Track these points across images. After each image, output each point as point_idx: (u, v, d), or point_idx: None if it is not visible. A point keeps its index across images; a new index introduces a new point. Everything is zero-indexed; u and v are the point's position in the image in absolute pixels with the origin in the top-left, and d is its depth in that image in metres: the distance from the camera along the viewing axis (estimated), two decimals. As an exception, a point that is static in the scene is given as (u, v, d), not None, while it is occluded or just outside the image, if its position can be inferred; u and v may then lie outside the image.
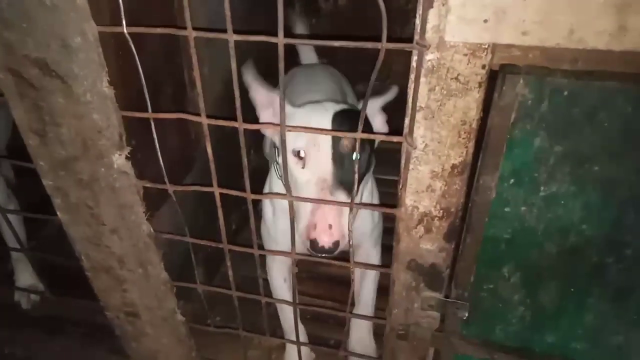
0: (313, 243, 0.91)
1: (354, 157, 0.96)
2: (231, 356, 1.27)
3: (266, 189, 1.28)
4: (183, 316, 1.04)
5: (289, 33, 1.83)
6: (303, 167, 0.99)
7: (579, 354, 0.84)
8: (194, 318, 1.10)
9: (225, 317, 1.36)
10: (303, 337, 1.26)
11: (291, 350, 1.26)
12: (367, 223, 1.25)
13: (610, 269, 0.73)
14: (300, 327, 1.25)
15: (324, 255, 0.92)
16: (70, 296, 1.34)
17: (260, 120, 1.08)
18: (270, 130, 1.11)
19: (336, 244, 0.91)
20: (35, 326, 1.43)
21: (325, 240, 0.90)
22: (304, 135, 0.97)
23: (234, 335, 1.07)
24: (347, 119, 1.01)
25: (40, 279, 1.40)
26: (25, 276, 1.47)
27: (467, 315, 0.82)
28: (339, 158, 0.97)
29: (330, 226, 0.90)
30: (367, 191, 1.19)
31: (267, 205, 1.27)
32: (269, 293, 0.95)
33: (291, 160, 1.00)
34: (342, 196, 0.95)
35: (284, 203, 1.12)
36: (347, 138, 0.96)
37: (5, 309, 1.47)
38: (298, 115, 1.04)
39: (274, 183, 1.24)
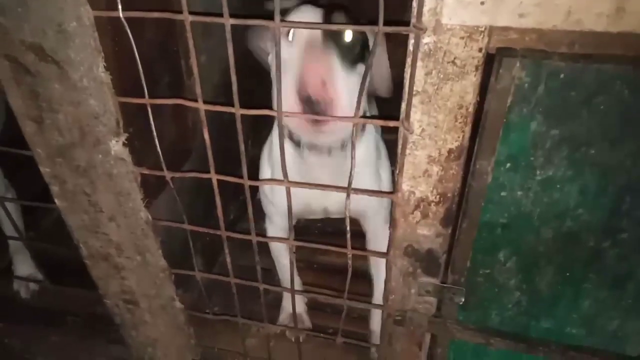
0: (307, 99, 0.85)
1: (346, 36, 0.92)
2: (229, 345, 1.27)
3: (265, 151, 1.26)
4: (182, 304, 1.05)
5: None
6: (291, 42, 0.93)
7: (575, 339, 0.85)
8: (193, 307, 1.10)
9: (223, 307, 1.37)
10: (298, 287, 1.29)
11: (287, 302, 1.29)
12: (373, 188, 1.16)
13: (606, 254, 0.73)
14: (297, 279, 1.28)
15: (319, 115, 0.86)
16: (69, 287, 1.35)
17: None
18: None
19: (330, 100, 0.85)
20: (34, 317, 1.44)
21: (318, 92, 0.84)
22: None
23: (232, 325, 1.08)
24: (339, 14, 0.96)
25: (39, 270, 1.41)
26: (24, 266, 1.48)
27: (463, 300, 0.82)
28: (330, 34, 0.91)
29: (323, 82, 0.85)
30: (370, 146, 1.14)
31: (265, 163, 1.24)
32: (267, 281, 0.95)
33: (284, 49, 0.90)
34: (334, 58, 0.89)
35: (287, 158, 1.04)
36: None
37: (4, 301, 1.48)
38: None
39: (275, 144, 1.19)
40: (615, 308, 0.79)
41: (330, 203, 1.20)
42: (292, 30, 0.93)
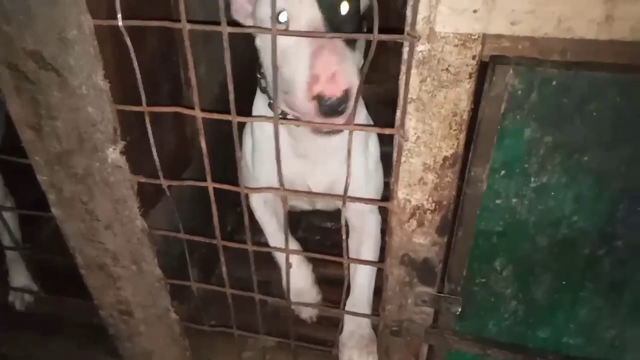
0: (320, 99, 0.82)
1: (342, 9, 0.89)
2: (225, 357, 1.26)
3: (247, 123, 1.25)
4: (177, 315, 1.04)
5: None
6: (287, 29, 0.90)
7: (573, 348, 0.84)
8: (189, 319, 1.10)
9: (219, 319, 1.35)
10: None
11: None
12: (359, 167, 1.13)
13: (602, 261, 0.73)
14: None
15: (333, 115, 0.83)
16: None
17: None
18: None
19: (345, 94, 0.81)
20: (33, 327, 1.43)
21: (332, 90, 0.80)
22: None
23: (228, 337, 1.07)
24: None
25: (35, 281, 1.40)
26: (19, 277, 1.47)
27: (460, 310, 0.82)
28: (327, 6, 0.87)
29: (334, 74, 0.81)
30: (361, 117, 1.13)
31: (247, 136, 1.22)
32: (263, 292, 0.95)
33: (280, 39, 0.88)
34: (339, 43, 0.86)
35: (268, 131, 0.98)
36: None
37: (2, 310, 1.47)
38: None
39: (257, 112, 1.17)
40: (613, 316, 0.79)
41: (314, 181, 1.18)
42: (283, 13, 0.89)
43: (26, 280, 1.46)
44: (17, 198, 1.45)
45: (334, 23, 0.88)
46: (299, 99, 0.85)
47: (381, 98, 1.47)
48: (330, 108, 0.82)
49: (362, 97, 1.09)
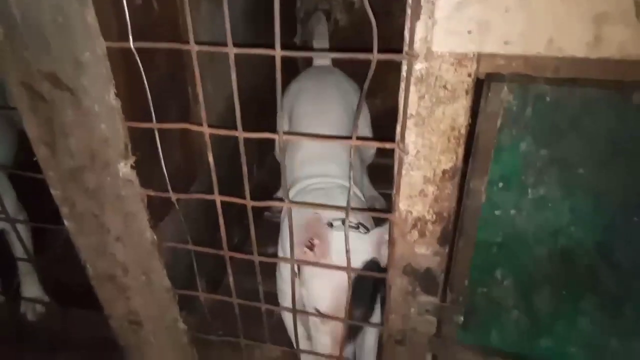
0: None
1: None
2: (233, 368, 1.27)
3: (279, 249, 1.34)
4: (185, 325, 1.06)
5: (288, 45, 1.89)
6: (321, 321, 1.10)
7: (575, 359, 0.85)
8: (197, 329, 1.12)
9: (227, 330, 1.37)
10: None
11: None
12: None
13: (601, 272, 0.75)
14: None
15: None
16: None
17: None
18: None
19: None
20: (40, 342, 1.45)
21: None
22: (327, 299, 1.08)
23: (235, 347, 1.09)
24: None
25: (46, 294, 1.43)
26: (32, 288, 1.50)
27: (462, 319, 0.83)
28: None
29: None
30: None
31: (282, 269, 1.33)
32: (269, 302, 0.97)
33: (314, 319, 1.12)
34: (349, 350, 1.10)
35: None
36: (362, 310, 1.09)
37: (10, 326, 1.50)
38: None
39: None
40: (614, 327, 0.80)
41: None
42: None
43: (38, 292, 1.49)
44: (32, 211, 1.49)
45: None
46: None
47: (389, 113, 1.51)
48: None
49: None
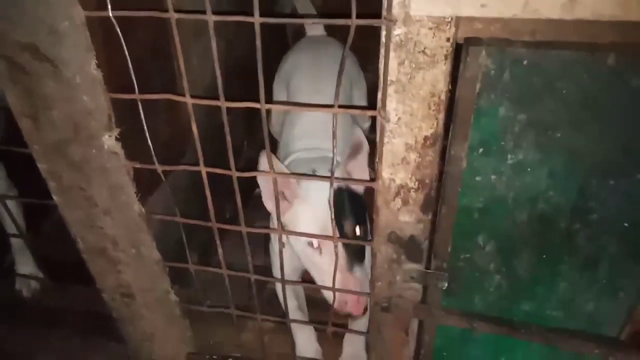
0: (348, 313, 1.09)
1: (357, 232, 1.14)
2: (225, 338, 1.30)
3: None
4: (177, 297, 1.08)
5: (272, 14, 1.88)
6: (320, 254, 1.13)
7: (555, 321, 0.88)
8: (188, 302, 1.13)
9: (218, 303, 1.39)
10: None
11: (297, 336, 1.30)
12: None
13: (578, 235, 0.76)
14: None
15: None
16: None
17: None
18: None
19: (365, 309, 1.07)
20: (35, 320, 1.47)
21: (357, 311, 1.08)
22: (314, 225, 1.12)
23: (227, 320, 1.11)
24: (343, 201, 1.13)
25: (40, 270, 1.45)
26: (25, 265, 1.51)
27: (446, 285, 0.85)
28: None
29: (358, 300, 1.06)
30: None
31: (274, 242, 1.34)
32: (258, 272, 0.98)
33: (308, 250, 1.14)
34: (358, 270, 1.11)
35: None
36: (348, 225, 1.13)
37: (5, 306, 1.52)
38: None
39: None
40: (590, 289, 0.82)
41: None
42: (316, 244, 1.13)
43: (32, 268, 1.51)
44: (23, 188, 1.49)
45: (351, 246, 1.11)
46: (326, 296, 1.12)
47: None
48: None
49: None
